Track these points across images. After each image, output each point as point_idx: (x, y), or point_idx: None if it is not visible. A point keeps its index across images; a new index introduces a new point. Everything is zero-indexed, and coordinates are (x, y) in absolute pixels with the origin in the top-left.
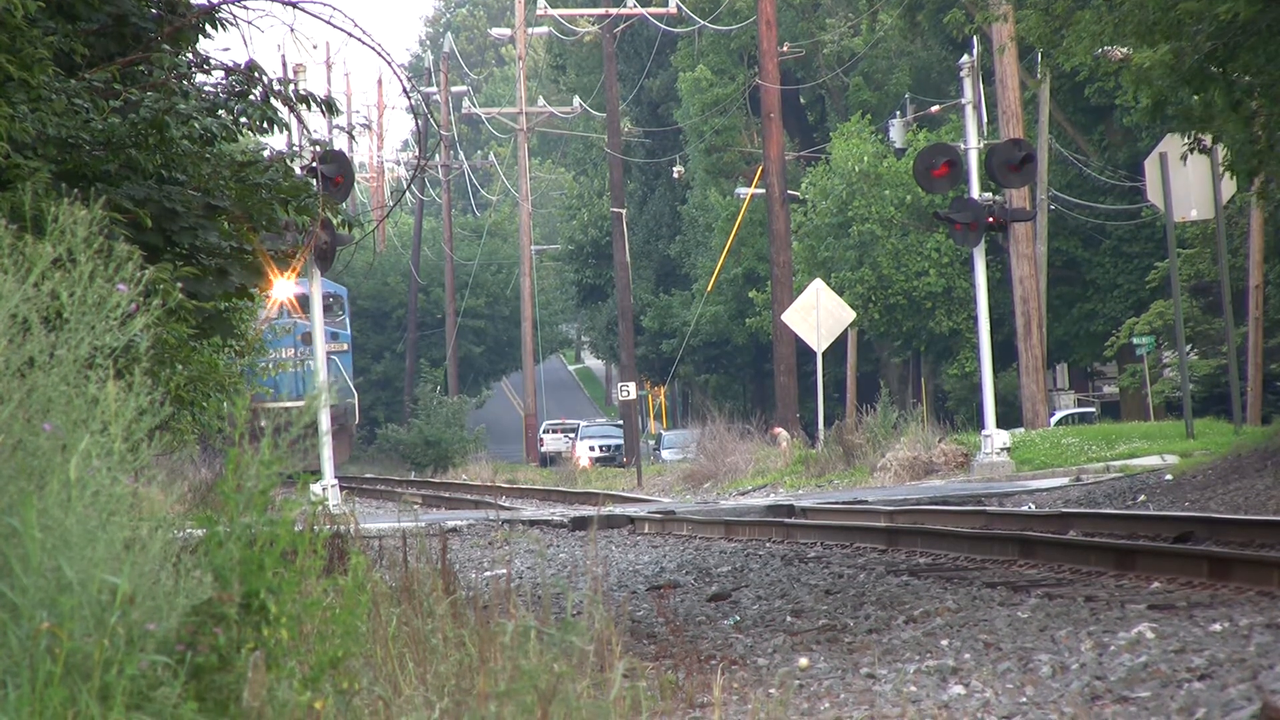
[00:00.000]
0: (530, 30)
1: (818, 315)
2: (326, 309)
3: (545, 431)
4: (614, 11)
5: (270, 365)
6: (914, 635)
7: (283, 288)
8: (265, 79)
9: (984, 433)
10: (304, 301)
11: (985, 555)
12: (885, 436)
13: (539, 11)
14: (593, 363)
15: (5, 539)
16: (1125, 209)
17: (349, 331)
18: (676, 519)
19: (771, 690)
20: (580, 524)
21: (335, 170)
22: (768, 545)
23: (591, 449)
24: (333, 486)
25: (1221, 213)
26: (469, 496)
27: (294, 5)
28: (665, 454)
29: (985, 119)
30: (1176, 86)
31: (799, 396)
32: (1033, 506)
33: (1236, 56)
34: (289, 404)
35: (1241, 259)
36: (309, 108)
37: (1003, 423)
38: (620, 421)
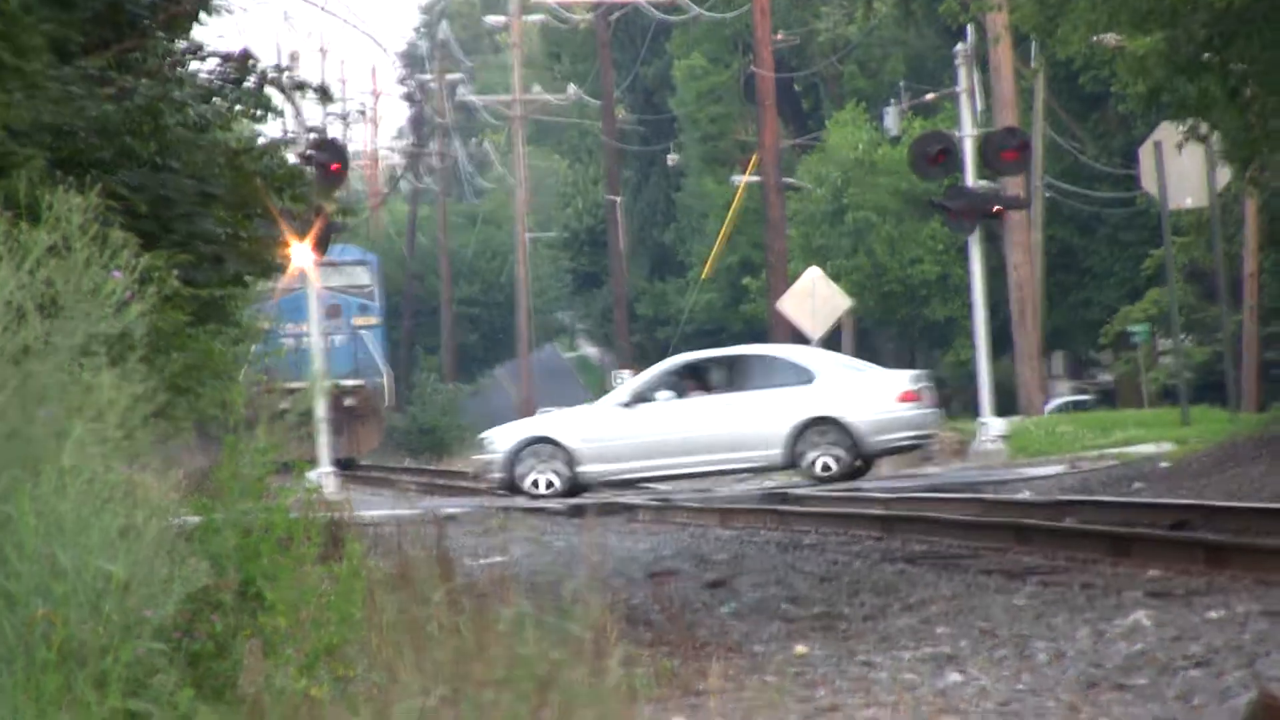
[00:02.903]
0: (525, 17)
1: (814, 302)
2: (354, 277)
3: None
4: None
5: (294, 341)
6: (910, 623)
7: (304, 254)
8: (259, 66)
9: (980, 420)
10: (328, 270)
11: (981, 543)
12: None
13: None
14: (588, 350)
15: (0, 526)
16: (1121, 196)
17: (379, 303)
18: (673, 506)
19: (768, 677)
20: (577, 511)
21: (330, 158)
22: (764, 532)
23: None
24: (329, 473)
25: (1216, 200)
26: (465, 483)
27: None
28: None
29: (980, 107)
30: (1171, 75)
31: None
32: (1029, 494)
33: (1231, 44)
34: None
35: (1237, 246)
36: (303, 95)
37: (999, 410)
38: None
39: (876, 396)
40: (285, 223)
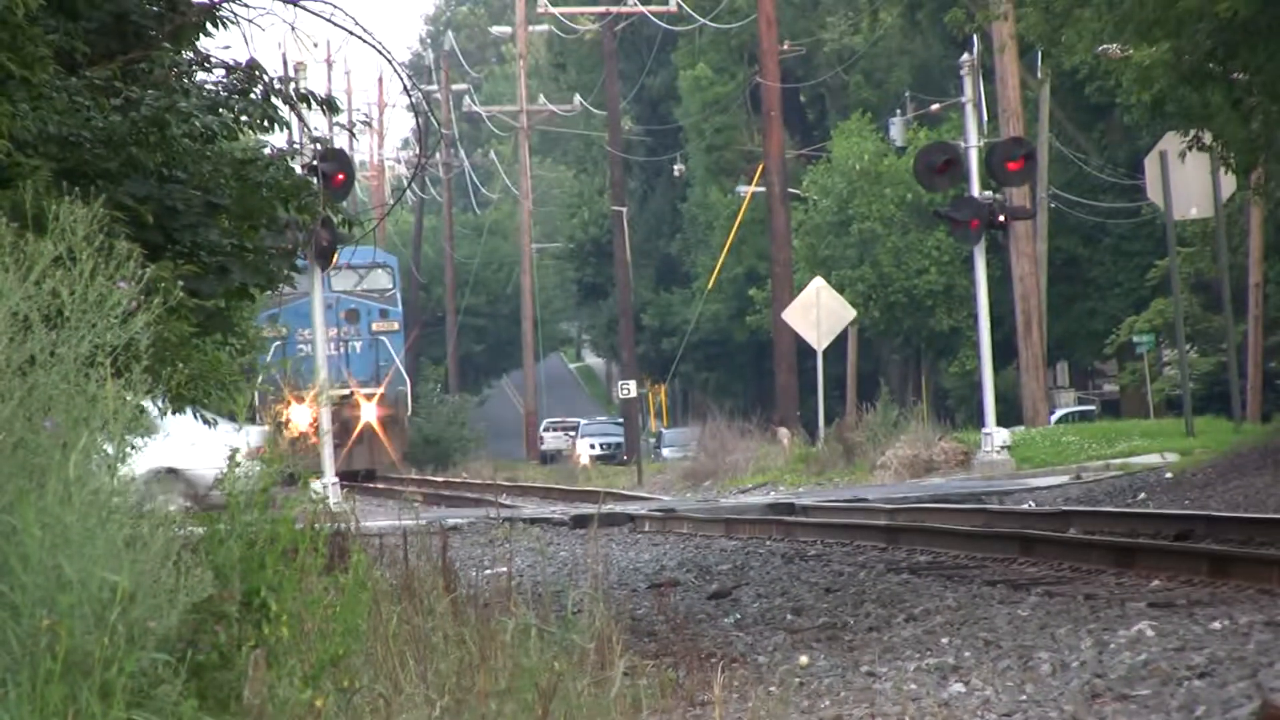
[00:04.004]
0: (531, 28)
1: (818, 313)
2: (373, 280)
3: (546, 429)
4: (614, 9)
5: (309, 349)
6: (914, 633)
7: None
8: (266, 77)
9: (984, 431)
10: (346, 273)
11: (985, 553)
12: (886, 434)
13: (539, 9)
14: (593, 361)
15: (5, 537)
16: (1125, 207)
17: (400, 308)
18: (677, 517)
19: (772, 688)
20: (581, 522)
21: (336, 168)
22: (768, 543)
23: (592, 447)
24: (333, 484)
25: (1221, 210)
26: (469, 494)
27: (295, 3)
28: (666, 452)
29: (985, 117)
30: (1176, 84)
31: (799, 394)
32: (1033, 504)
33: (1236, 55)
34: (331, 392)
35: (1241, 257)
36: (309, 106)
37: (1003, 421)
38: (621, 419)
39: (222, 451)
40: (290, 233)
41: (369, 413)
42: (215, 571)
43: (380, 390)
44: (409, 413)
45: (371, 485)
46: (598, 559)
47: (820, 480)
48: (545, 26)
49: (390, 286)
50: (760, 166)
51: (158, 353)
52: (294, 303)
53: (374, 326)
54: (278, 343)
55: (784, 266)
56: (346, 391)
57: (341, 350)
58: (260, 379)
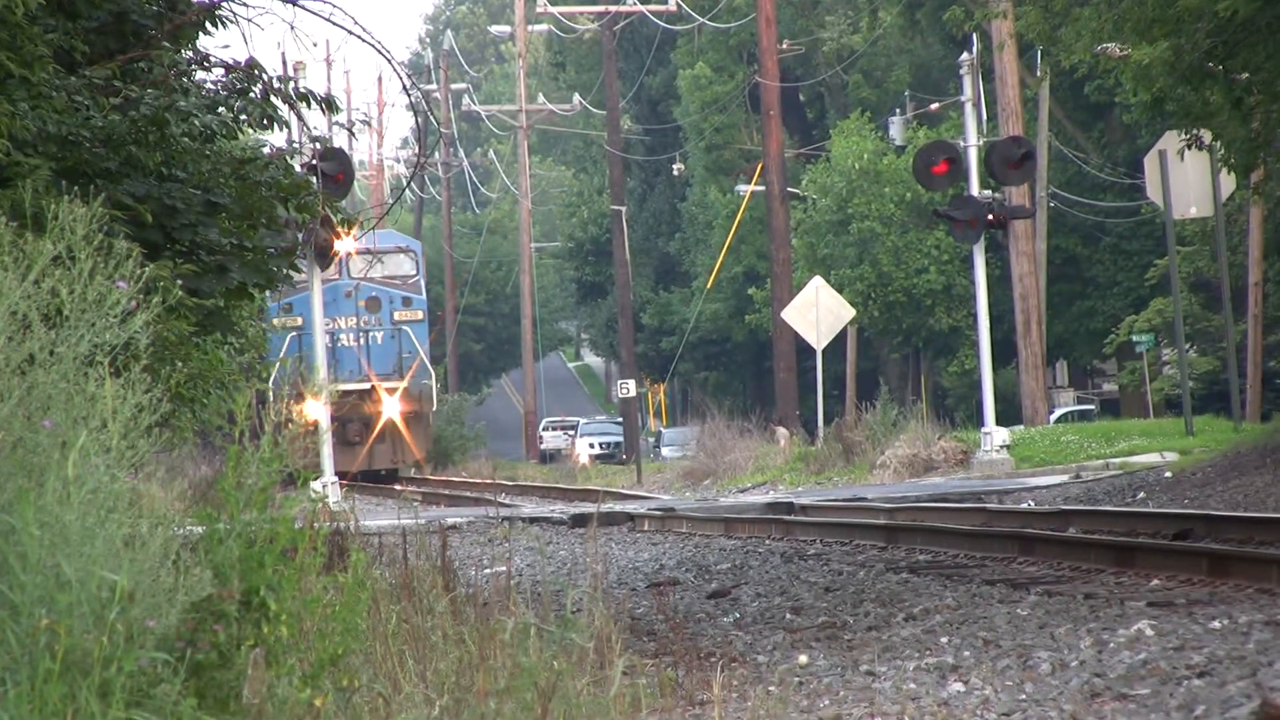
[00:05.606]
0: (530, 27)
1: (817, 313)
2: (396, 266)
3: (545, 429)
4: (614, 9)
5: (326, 339)
6: (914, 633)
7: (340, 243)
8: (265, 76)
9: (984, 430)
10: (367, 258)
11: (985, 552)
12: (885, 434)
13: (539, 9)
14: (592, 360)
15: (4, 537)
16: (1125, 206)
17: (424, 296)
18: (676, 516)
19: (771, 687)
20: (580, 521)
21: (335, 168)
22: (767, 542)
23: (591, 446)
24: (332, 484)
25: (1221, 210)
26: (469, 494)
27: (294, 3)
28: (665, 451)
29: (985, 116)
30: (1176, 83)
31: (799, 393)
32: (1032, 504)
33: (1235, 54)
34: (350, 385)
35: (1241, 256)
36: (309, 105)
37: (1002, 420)
38: (620, 419)
39: None
40: (290, 232)
41: (391, 408)
42: (214, 571)
43: (403, 384)
44: (433, 408)
45: (371, 485)
46: (597, 558)
47: (819, 479)
48: (545, 26)
49: (414, 273)
50: (759, 166)
51: (157, 352)
52: (309, 291)
53: (396, 315)
54: (293, 334)
55: (783, 266)
56: (366, 385)
57: (361, 341)
58: (272, 378)
